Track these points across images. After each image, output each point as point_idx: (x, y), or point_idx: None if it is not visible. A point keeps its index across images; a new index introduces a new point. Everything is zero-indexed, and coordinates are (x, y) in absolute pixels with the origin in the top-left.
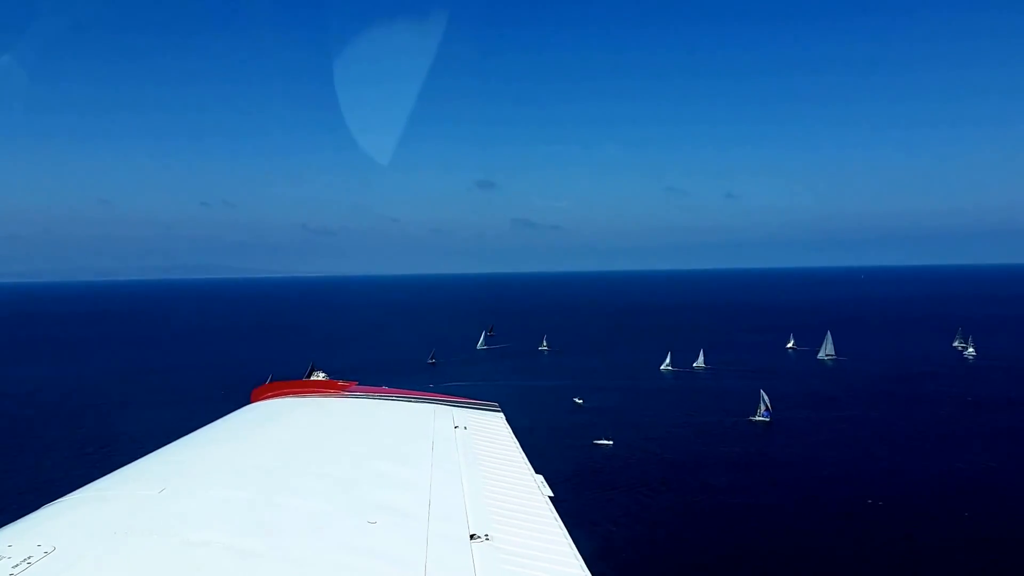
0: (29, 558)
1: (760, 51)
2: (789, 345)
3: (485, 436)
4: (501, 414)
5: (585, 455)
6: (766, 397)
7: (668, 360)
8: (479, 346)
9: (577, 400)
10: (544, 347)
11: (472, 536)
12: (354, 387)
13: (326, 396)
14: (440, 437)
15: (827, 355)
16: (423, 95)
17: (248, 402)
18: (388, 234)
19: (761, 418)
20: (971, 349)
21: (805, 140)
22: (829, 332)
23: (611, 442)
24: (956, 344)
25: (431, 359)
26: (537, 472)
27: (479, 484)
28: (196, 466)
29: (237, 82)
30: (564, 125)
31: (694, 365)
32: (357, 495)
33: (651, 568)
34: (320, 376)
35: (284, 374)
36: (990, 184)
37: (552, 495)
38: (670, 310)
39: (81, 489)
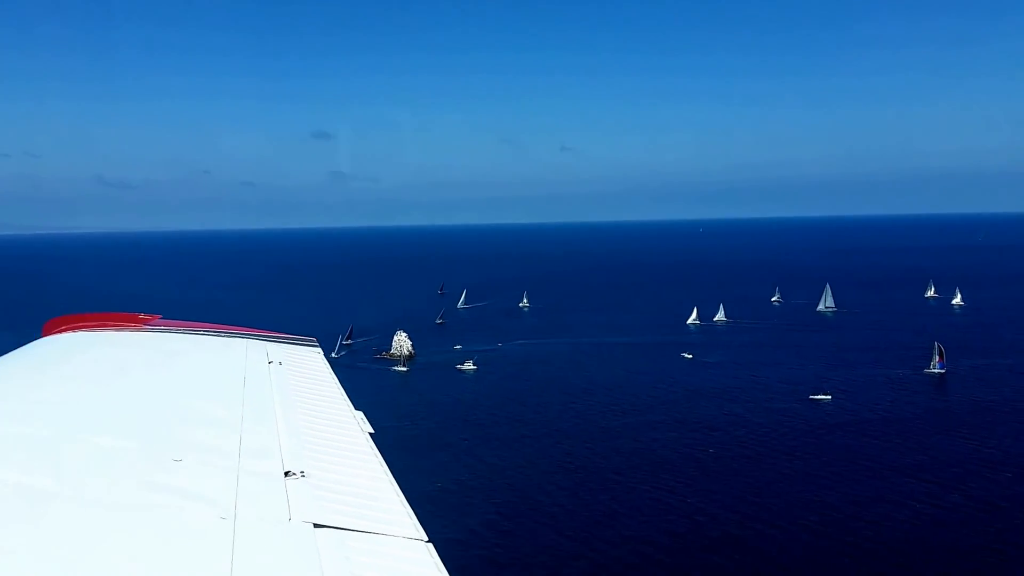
0: None
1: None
2: (774, 299)
3: (302, 372)
4: (319, 349)
5: (821, 412)
6: (941, 348)
7: (695, 315)
8: (460, 306)
9: (686, 355)
10: (524, 304)
11: (287, 473)
12: (158, 321)
13: (127, 330)
14: (253, 373)
15: (827, 307)
16: (251, 45)
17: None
18: (196, 187)
19: (936, 370)
20: (959, 299)
21: (642, 98)
22: (828, 285)
23: (829, 397)
24: (928, 295)
25: (439, 319)
26: (358, 408)
27: (294, 421)
28: None
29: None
30: (398, 77)
31: (715, 319)
32: (160, 432)
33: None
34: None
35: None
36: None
37: (372, 432)
38: (595, 267)
39: None
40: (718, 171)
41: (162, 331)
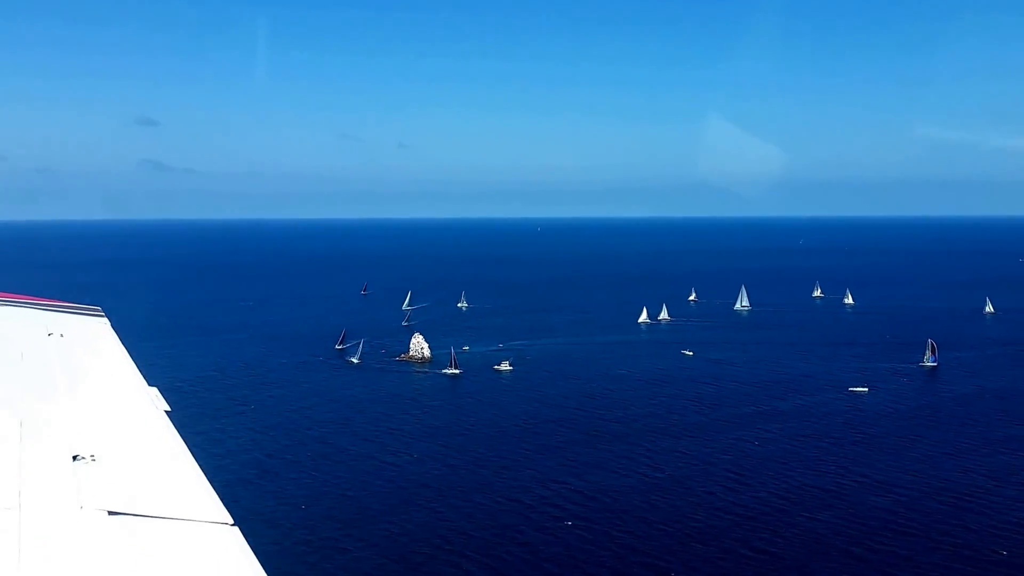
0: None
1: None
2: (691, 298)
3: (87, 344)
4: (105, 319)
5: (868, 403)
6: (934, 344)
7: (644, 314)
8: (405, 307)
9: (687, 352)
10: (463, 304)
11: (75, 457)
12: None
13: None
14: (31, 346)
15: (743, 306)
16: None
17: None
18: None
19: (930, 363)
20: (849, 299)
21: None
22: (743, 285)
23: (866, 389)
24: (816, 294)
25: (406, 322)
26: (151, 383)
27: (82, 399)
28: None
29: None
30: (233, 67)
31: (660, 318)
32: None
33: None
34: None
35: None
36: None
37: (168, 409)
38: (490, 264)
39: None
40: (553, 172)
41: None
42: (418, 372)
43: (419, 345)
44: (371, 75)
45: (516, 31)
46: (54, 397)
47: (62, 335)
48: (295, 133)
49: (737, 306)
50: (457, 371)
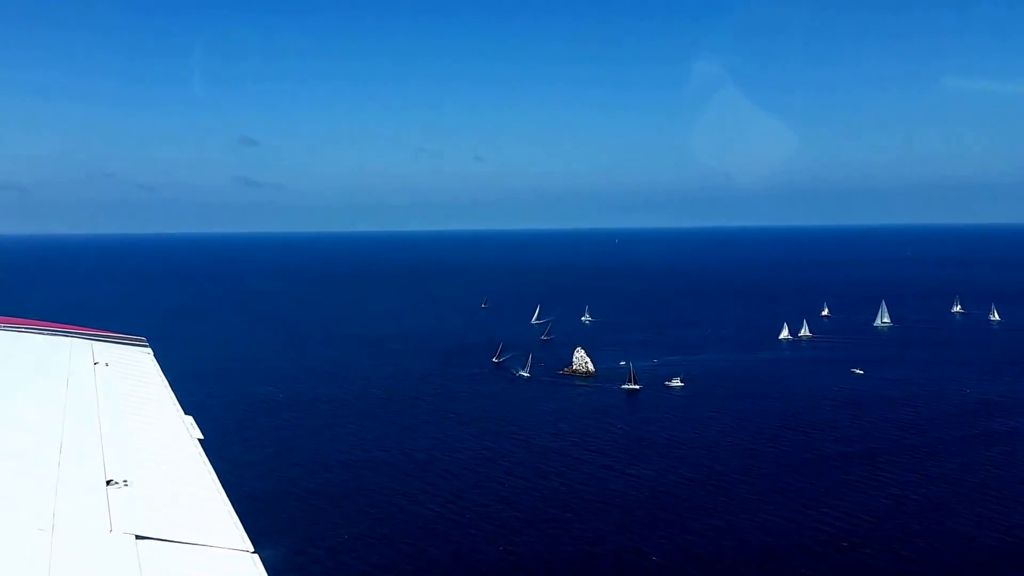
0: None
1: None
2: (824, 313)
3: (129, 373)
4: (148, 349)
5: None
6: None
7: (786, 331)
8: (533, 321)
9: (857, 371)
10: (587, 319)
11: (109, 481)
12: None
13: None
14: (76, 374)
15: (884, 323)
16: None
17: None
18: (97, 190)
19: None
20: (995, 315)
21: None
22: (884, 302)
23: None
24: (955, 310)
25: (545, 336)
26: (188, 413)
27: (120, 426)
28: None
29: None
30: (321, 87)
31: (801, 334)
32: None
33: None
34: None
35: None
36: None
37: (202, 437)
38: (596, 277)
39: None
40: (630, 181)
41: None
42: (593, 386)
43: (582, 359)
44: (447, 91)
45: (590, 46)
46: (94, 424)
47: (107, 364)
48: (375, 148)
49: (878, 322)
50: (636, 386)
